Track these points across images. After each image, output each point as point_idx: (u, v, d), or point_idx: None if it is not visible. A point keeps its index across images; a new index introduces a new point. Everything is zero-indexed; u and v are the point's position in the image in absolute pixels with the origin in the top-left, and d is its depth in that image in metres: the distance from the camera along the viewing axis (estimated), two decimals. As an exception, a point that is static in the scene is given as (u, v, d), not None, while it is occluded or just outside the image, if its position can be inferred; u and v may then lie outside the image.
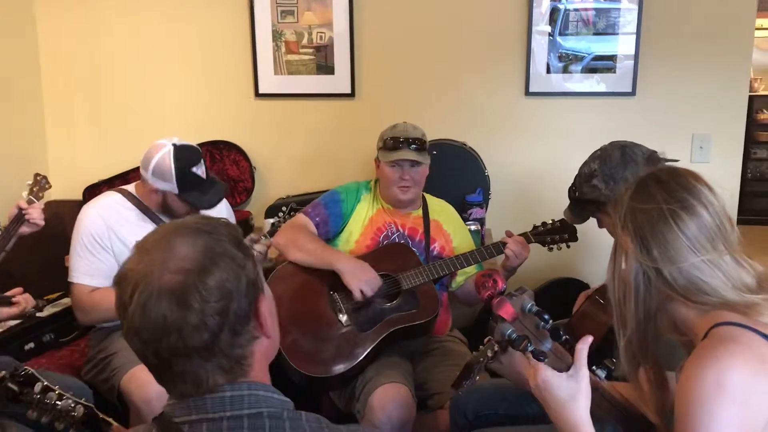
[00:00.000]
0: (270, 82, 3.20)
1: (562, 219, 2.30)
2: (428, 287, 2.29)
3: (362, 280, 2.20)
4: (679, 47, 3.00)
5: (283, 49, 3.15)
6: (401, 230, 2.44)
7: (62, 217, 3.08)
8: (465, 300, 2.52)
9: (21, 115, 3.23)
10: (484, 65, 3.11)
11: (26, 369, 1.62)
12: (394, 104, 3.15)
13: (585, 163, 2.08)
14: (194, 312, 0.91)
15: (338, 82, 3.16)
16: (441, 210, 2.55)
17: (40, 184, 2.31)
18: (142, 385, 2.05)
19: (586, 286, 3.01)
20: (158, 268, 0.93)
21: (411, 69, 3.15)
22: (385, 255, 2.36)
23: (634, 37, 2.98)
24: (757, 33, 3.08)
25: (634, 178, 1.36)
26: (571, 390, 1.23)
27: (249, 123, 3.26)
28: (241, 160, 3.23)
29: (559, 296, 2.98)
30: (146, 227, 2.30)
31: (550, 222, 2.36)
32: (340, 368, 2.14)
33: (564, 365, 1.27)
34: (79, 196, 3.17)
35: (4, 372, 1.60)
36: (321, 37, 3.13)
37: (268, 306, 1.02)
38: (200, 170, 2.24)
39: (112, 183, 3.15)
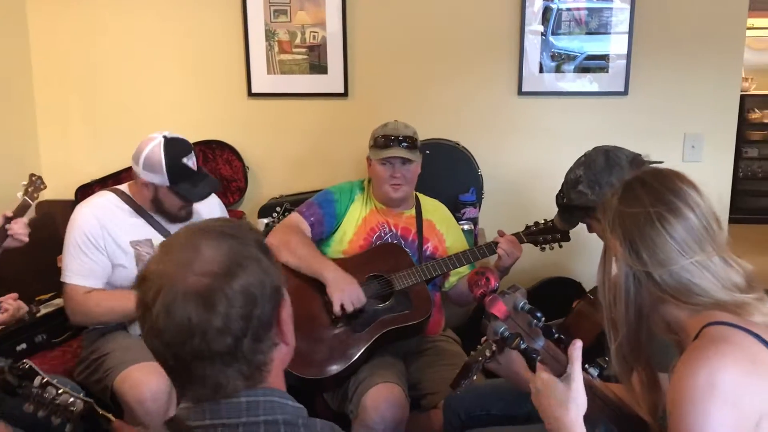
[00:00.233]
0: (263, 82, 3.19)
1: (555, 218, 2.31)
2: (421, 288, 2.30)
3: (344, 294, 2.19)
4: (672, 47, 3.01)
5: (276, 49, 3.15)
6: (394, 230, 2.44)
7: (55, 218, 3.07)
8: (458, 300, 2.52)
9: (12, 115, 3.21)
10: (477, 65, 3.12)
11: (25, 362, 1.61)
12: (388, 104, 3.15)
13: (570, 170, 2.10)
14: (219, 315, 0.90)
15: (331, 81, 3.16)
16: (434, 210, 2.55)
17: (35, 184, 2.30)
18: (136, 385, 2.06)
19: (578, 285, 3.03)
20: (184, 269, 0.92)
21: (404, 68, 3.15)
22: (377, 255, 2.36)
23: (627, 36, 2.99)
24: (748, 32, 3.08)
25: (620, 181, 1.36)
26: (564, 396, 1.24)
27: (242, 122, 3.26)
28: (234, 160, 3.23)
29: (552, 295, 3.00)
30: (140, 227, 2.30)
31: (543, 222, 2.37)
32: (333, 369, 2.14)
33: (557, 363, 1.28)
34: (71, 196, 3.16)
35: (2, 364, 1.59)
36: (314, 37, 3.12)
37: (288, 312, 1.01)
38: (191, 161, 2.24)
39: (105, 183, 3.14)
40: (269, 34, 3.14)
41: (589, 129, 3.08)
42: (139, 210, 2.31)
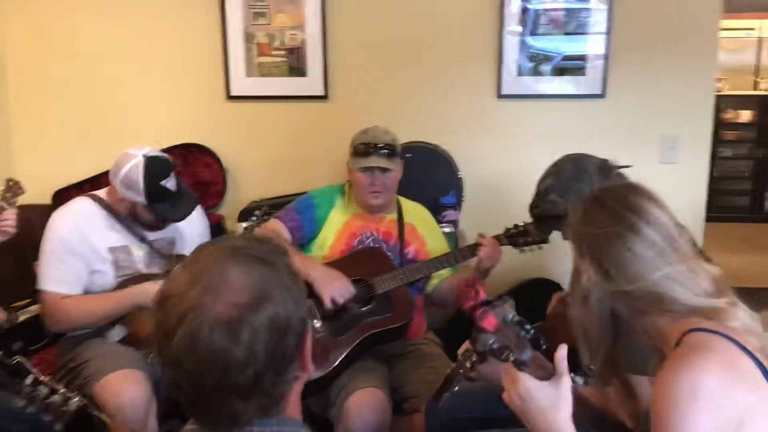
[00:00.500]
0: (242, 85, 3.17)
1: (534, 220, 2.32)
2: (402, 291, 2.30)
3: (333, 288, 2.19)
4: (648, 48, 3.04)
5: (255, 51, 3.13)
6: (375, 234, 2.44)
7: (31, 222, 3.02)
8: (440, 302, 2.54)
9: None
10: (457, 67, 3.12)
11: (16, 359, 1.59)
12: (368, 106, 3.15)
13: (541, 180, 2.13)
14: (243, 348, 0.87)
15: (311, 84, 3.15)
16: (415, 213, 2.56)
17: (12, 189, 2.26)
18: (115, 393, 2.03)
19: (558, 287, 3.05)
20: (211, 298, 0.87)
21: (384, 71, 3.15)
22: (359, 260, 2.36)
23: (604, 37, 3.01)
24: (721, 33, 3.13)
25: (590, 188, 1.38)
26: (553, 398, 1.25)
27: (221, 125, 3.24)
28: (213, 163, 3.20)
29: (532, 297, 3.01)
30: (117, 233, 2.29)
31: (522, 224, 2.39)
32: (315, 374, 2.13)
33: (544, 373, 1.29)
34: (47, 201, 3.12)
35: None
36: (293, 39, 3.11)
37: (310, 341, 0.99)
38: (170, 183, 2.22)
39: (82, 187, 3.10)
40: (248, 37, 3.12)
41: (567, 131, 3.10)
42: (116, 216, 2.29)
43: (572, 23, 3.03)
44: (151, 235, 2.33)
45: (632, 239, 1.25)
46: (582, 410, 1.36)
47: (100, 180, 3.07)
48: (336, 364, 2.15)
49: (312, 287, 2.20)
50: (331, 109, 3.19)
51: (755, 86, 6.73)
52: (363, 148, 2.38)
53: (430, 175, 3.01)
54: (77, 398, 1.57)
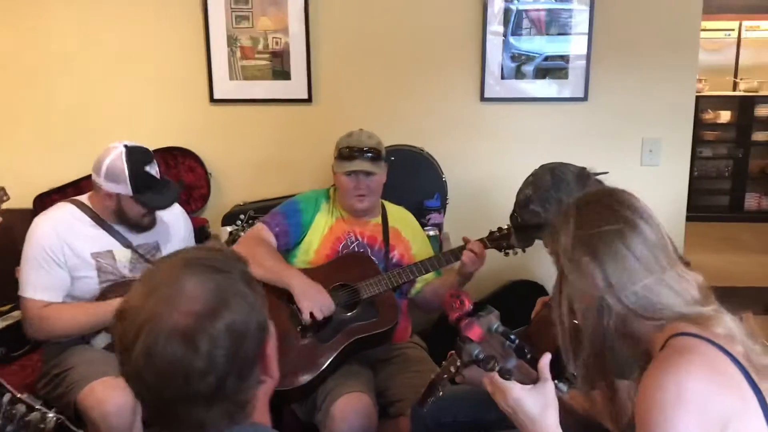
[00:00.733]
0: (225, 88, 3.16)
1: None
2: (387, 296, 2.31)
3: (313, 302, 2.19)
4: (629, 50, 3.07)
5: (239, 54, 3.12)
6: (360, 239, 2.45)
7: (12, 227, 2.99)
8: (425, 306, 2.55)
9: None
10: (441, 70, 3.13)
11: None
12: (352, 110, 3.15)
13: (520, 190, 2.15)
14: (202, 357, 0.87)
15: (295, 87, 3.14)
16: (400, 217, 2.57)
17: None
18: (100, 400, 2.02)
19: (542, 288, 3.07)
20: (167, 309, 0.88)
21: (368, 74, 3.16)
22: (343, 264, 2.36)
23: (586, 37, 3.03)
24: (701, 34, 3.16)
25: (567, 197, 1.39)
26: (540, 403, 1.27)
27: (204, 129, 3.22)
28: (197, 167, 3.19)
29: (516, 299, 3.04)
30: (101, 238, 2.27)
31: (506, 227, 2.39)
32: (301, 380, 2.14)
33: (528, 380, 1.30)
34: (28, 205, 3.09)
35: None
36: (277, 43, 3.10)
37: (272, 346, 0.99)
38: (153, 170, 2.22)
39: (64, 191, 3.08)
40: (231, 40, 3.11)
41: (550, 134, 3.13)
42: (99, 221, 2.27)
43: (554, 24, 3.05)
44: (136, 240, 2.32)
45: (631, 237, 1.26)
46: (566, 417, 1.38)
47: (82, 184, 3.05)
48: (322, 369, 2.16)
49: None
50: (315, 112, 3.18)
51: (734, 87, 6.81)
52: (347, 152, 2.38)
53: (415, 179, 3.02)
54: (54, 416, 1.56)
